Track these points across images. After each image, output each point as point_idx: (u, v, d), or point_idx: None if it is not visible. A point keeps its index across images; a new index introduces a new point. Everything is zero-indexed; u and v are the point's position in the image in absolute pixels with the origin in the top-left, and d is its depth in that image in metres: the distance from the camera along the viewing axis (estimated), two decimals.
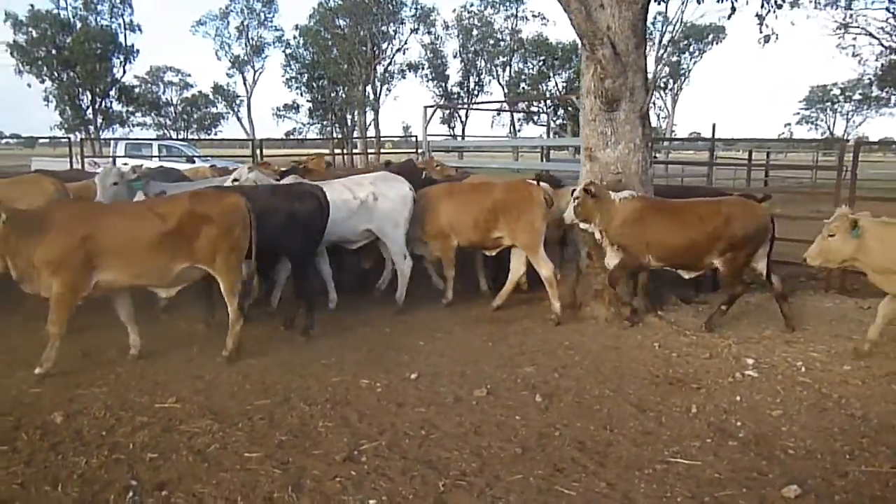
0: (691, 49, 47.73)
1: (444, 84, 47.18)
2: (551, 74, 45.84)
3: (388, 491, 3.57)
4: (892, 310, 5.46)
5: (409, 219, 7.13)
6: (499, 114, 42.66)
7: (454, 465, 3.84)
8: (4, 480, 3.64)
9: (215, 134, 52.52)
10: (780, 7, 8.29)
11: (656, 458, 3.94)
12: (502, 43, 45.83)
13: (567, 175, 9.08)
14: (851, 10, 27.85)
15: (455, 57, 46.34)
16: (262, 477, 3.69)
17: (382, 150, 29.16)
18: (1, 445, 4.00)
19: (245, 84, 48.37)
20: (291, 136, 44.99)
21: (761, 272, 6.40)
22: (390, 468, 3.81)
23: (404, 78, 45.66)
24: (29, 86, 38.16)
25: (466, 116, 45.63)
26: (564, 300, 6.85)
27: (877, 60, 33.11)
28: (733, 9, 8.64)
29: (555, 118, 37.94)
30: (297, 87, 44.62)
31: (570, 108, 35.37)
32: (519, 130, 42.90)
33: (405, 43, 43.63)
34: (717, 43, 47.04)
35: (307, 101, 45.42)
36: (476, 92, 46.72)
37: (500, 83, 46.68)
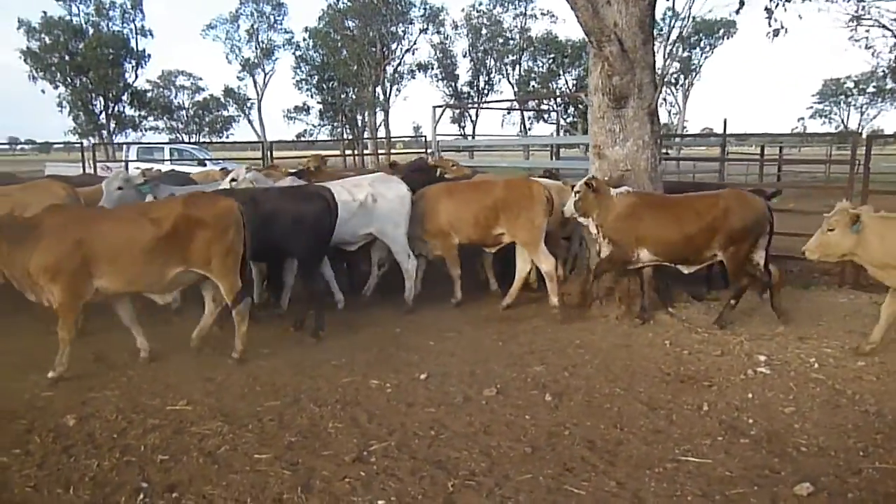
0: (702, 44, 47.47)
1: (454, 84, 47.19)
2: (561, 72, 45.76)
3: (398, 491, 3.57)
4: None
5: (407, 218, 7.13)
6: (509, 112, 42.57)
7: (463, 465, 3.84)
8: (18, 483, 3.68)
9: (227, 137, 52.87)
10: (788, 0, 8.21)
11: (667, 457, 3.91)
12: (511, 41, 45.76)
13: (578, 173, 9.03)
14: (864, 1, 27.49)
15: (464, 56, 46.38)
16: (272, 478, 3.70)
17: (393, 151, 29.22)
18: (14, 448, 4.05)
19: (256, 87, 48.66)
20: (302, 138, 45.18)
21: (758, 263, 6.36)
22: (399, 468, 3.81)
23: (414, 78, 45.85)
24: (43, 92, 38.64)
25: (476, 116, 45.61)
26: (574, 299, 6.83)
27: (890, 52, 32.67)
28: (742, 3, 8.57)
29: (565, 116, 37.85)
30: (307, 89, 44.92)
31: (580, 106, 35.26)
32: (529, 129, 42.86)
33: (414, 43, 43.81)
34: (727, 38, 46.82)
35: (317, 102, 45.70)
36: (486, 91, 46.71)
37: (509, 82, 46.65)
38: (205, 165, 18.38)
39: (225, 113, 53.23)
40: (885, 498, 3.48)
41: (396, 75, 43.93)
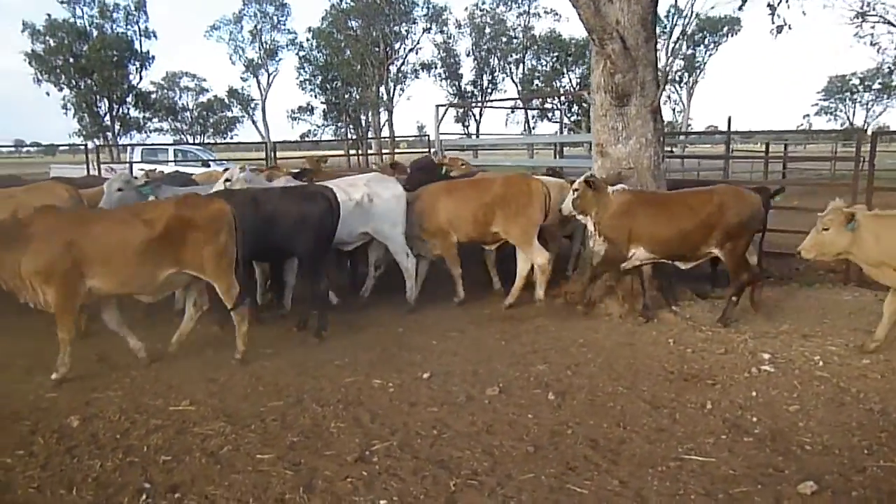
0: (706, 42, 47.35)
1: (457, 83, 47.19)
2: (565, 71, 45.76)
3: (400, 491, 3.56)
4: None
5: (404, 217, 7.12)
6: (513, 111, 42.59)
7: (466, 465, 3.83)
8: (21, 484, 3.68)
9: (231, 138, 52.97)
10: None
11: (670, 456, 3.89)
12: (515, 40, 45.76)
13: (582, 171, 9.01)
14: None
15: (468, 55, 46.41)
16: (274, 478, 3.70)
17: (397, 151, 29.21)
18: (18, 450, 4.05)
19: (259, 87, 48.80)
20: (306, 139, 45.25)
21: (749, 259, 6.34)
22: (401, 468, 3.80)
23: (417, 78, 45.89)
24: (48, 94, 38.83)
25: (480, 115, 45.60)
26: (577, 298, 6.81)
27: None
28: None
29: (569, 115, 37.83)
30: (311, 90, 45.00)
31: (584, 105, 35.19)
32: (533, 128, 42.78)
33: (418, 43, 43.86)
34: (732, 35, 46.73)
35: (321, 102, 45.79)
36: (490, 90, 46.73)
37: (513, 81, 46.65)
38: (209, 166, 18.41)
39: (229, 114, 53.45)
40: (889, 496, 3.46)
41: (400, 75, 43.99)
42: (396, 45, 42.65)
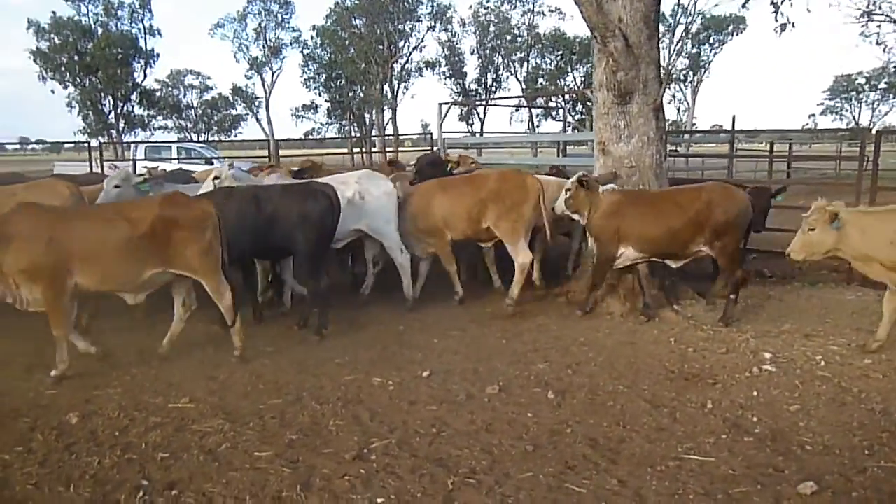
0: (711, 40, 47.16)
1: (461, 81, 47.05)
2: (569, 69, 45.59)
3: (397, 489, 3.55)
4: None
5: (396, 214, 7.11)
6: (517, 110, 42.45)
7: (464, 463, 3.82)
8: (19, 481, 3.69)
9: (235, 136, 52.96)
10: None
11: (669, 455, 3.88)
12: (519, 39, 45.60)
13: (586, 170, 8.99)
14: None
15: (472, 54, 46.23)
16: (272, 476, 3.70)
17: (401, 149, 29.18)
18: (17, 446, 4.06)
19: (264, 85, 48.68)
20: (310, 136, 45.23)
21: None
22: (400, 466, 3.79)
23: (421, 76, 45.72)
24: (52, 92, 38.82)
25: (484, 113, 45.49)
26: (578, 297, 6.80)
27: None
28: None
29: (573, 113, 37.70)
30: (315, 88, 44.91)
31: (588, 103, 35.08)
32: (537, 126, 42.68)
33: (422, 41, 43.70)
34: (737, 34, 46.48)
35: (325, 100, 45.70)
36: (494, 88, 46.57)
37: (517, 79, 46.47)
38: (212, 164, 18.41)
39: (233, 112, 53.36)
40: (889, 497, 3.43)
41: (404, 73, 43.88)
42: (400, 43, 42.56)
